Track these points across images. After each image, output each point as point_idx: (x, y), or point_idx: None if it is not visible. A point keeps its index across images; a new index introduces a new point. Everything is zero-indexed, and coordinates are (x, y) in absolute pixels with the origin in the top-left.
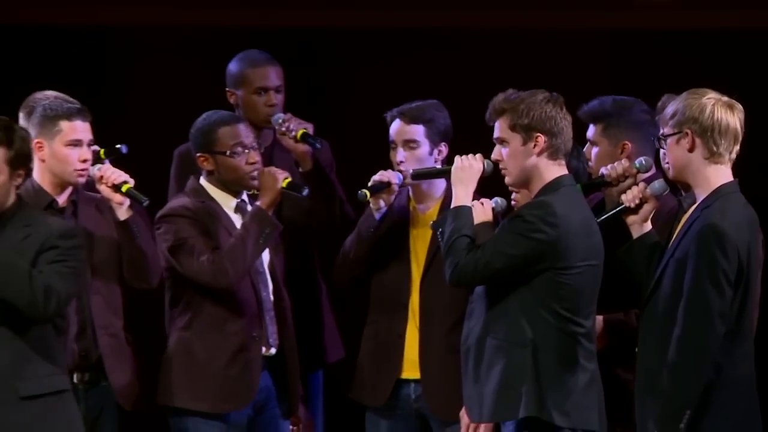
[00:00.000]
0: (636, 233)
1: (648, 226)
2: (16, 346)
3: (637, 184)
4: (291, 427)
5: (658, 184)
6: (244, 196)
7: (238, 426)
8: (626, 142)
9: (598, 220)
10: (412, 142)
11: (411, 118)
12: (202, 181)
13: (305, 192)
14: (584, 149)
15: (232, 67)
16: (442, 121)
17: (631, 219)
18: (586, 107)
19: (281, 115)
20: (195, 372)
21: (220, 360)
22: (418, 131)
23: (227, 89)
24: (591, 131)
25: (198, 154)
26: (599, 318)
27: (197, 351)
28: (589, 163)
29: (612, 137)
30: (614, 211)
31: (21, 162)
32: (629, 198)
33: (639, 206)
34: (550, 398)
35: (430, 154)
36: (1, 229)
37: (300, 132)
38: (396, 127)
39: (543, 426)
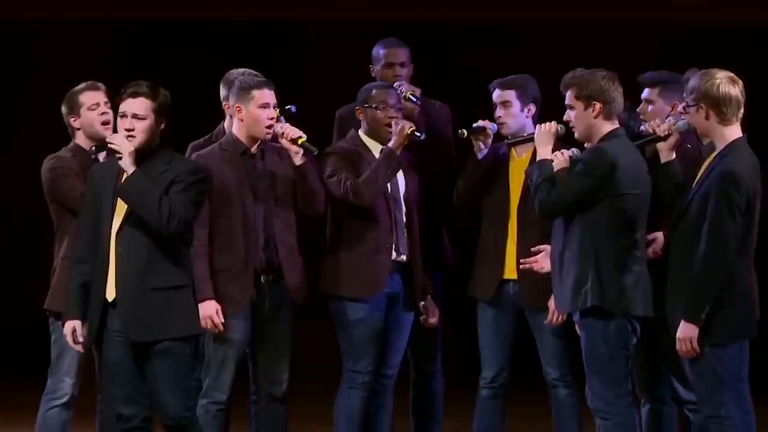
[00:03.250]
0: (664, 159)
1: (673, 155)
2: (151, 251)
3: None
4: (422, 316)
5: (682, 123)
6: (391, 144)
7: (377, 308)
8: (676, 102)
9: (636, 143)
10: (506, 103)
11: (506, 85)
12: (360, 132)
13: (423, 138)
14: (639, 108)
15: (374, 48)
16: (531, 88)
17: (661, 145)
18: (645, 75)
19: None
20: (343, 267)
21: (360, 259)
22: (511, 94)
23: (370, 65)
24: (647, 93)
25: (357, 108)
26: (660, 234)
27: (344, 252)
28: (642, 118)
29: (666, 98)
30: (649, 138)
31: (163, 112)
32: (661, 129)
33: (668, 137)
34: (607, 292)
35: (521, 111)
36: (149, 162)
37: (407, 93)
38: (496, 92)
39: (603, 312)
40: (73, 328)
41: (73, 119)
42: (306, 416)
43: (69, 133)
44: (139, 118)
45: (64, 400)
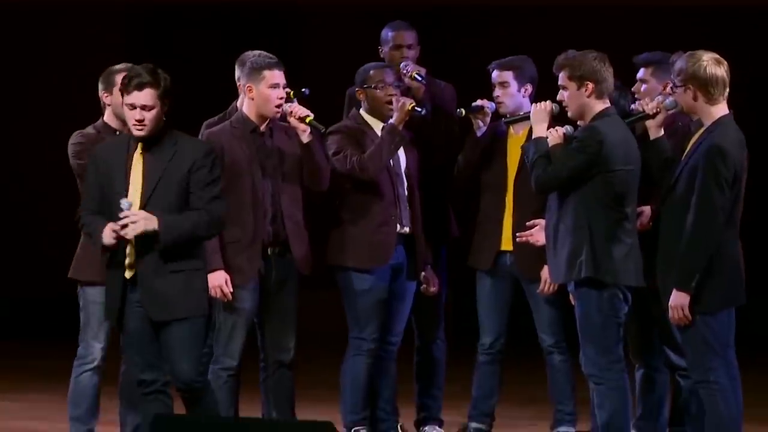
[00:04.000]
0: (653, 136)
1: (661, 131)
2: None
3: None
4: (423, 285)
5: (669, 101)
6: (393, 120)
7: (382, 278)
8: (668, 81)
9: (626, 121)
10: (504, 83)
11: (504, 66)
12: (361, 111)
13: (424, 113)
14: (634, 87)
15: (383, 31)
16: (528, 69)
17: (649, 123)
18: (640, 56)
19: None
20: (350, 240)
21: (366, 231)
22: (508, 75)
23: (379, 47)
24: (642, 73)
25: (357, 90)
26: (647, 208)
27: (351, 226)
28: (637, 96)
29: (658, 78)
30: (639, 116)
31: (166, 96)
32: (650, 108)
33: (656, 115)
34: (601, 264)
35: (518, 91)
36: (157, 149)
37: (413, 73)
38: (494, 73)
39: (597, 283)
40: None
41: (105, 96)
42: (312, 382)
43: (101, 107)
44: (147, 108)
45: (94, 364)
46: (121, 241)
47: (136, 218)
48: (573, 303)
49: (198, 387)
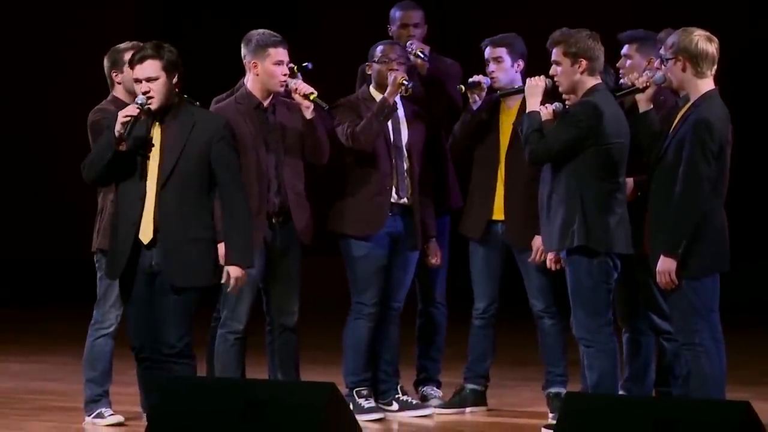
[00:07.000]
0: (643, 109)
1: (650, 105)
2: (190, 209)
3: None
4: (426, 256)
5: (658, 75)
6: (386, 93)
7: (379, 245)
8: (652, 57)
9: (617, 94)
10: (498, 59)
11: (497, 43)
12: (370, 86)
13: (411, 86)
14: (618, 63)
15: (391, 10)
16: (519, 45)
17: (639, 97)
18: (625, 33)
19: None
20: (348, 209)
21: (362, 200)
22: (501, 51)
23: (388, 25)
24: (626, 49)
25: (366, 64)
26: (630, 179)
27: (349, 196)
28: (621, 72)
29: (642, 53)
30: (629, 90)
31: (172, 68)
32: (640, 82)
33: (646, 88)
34: (593, 232)
35: (511, 66)
36: (173, 119)
37: (417, 50)
38: (488, 50)
39: (588, 251)
40: None
41: (115, 74)
42: (316, 345)
43: (108, 85)
44: (152, 80)
45: (111, 330)
46: (133, 206)
47: (236, 277)
48: (564, 268)
49: (179, 352)
